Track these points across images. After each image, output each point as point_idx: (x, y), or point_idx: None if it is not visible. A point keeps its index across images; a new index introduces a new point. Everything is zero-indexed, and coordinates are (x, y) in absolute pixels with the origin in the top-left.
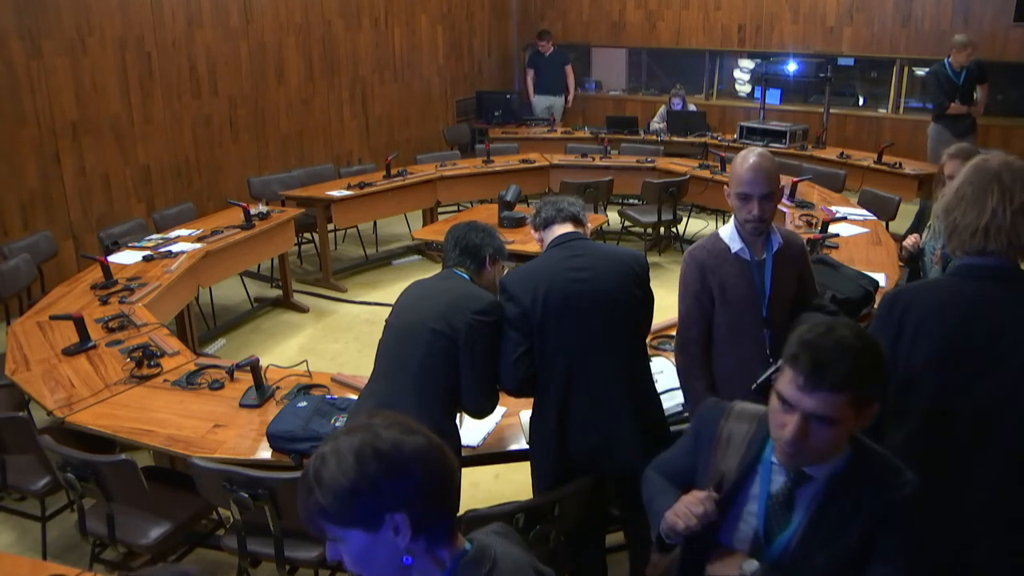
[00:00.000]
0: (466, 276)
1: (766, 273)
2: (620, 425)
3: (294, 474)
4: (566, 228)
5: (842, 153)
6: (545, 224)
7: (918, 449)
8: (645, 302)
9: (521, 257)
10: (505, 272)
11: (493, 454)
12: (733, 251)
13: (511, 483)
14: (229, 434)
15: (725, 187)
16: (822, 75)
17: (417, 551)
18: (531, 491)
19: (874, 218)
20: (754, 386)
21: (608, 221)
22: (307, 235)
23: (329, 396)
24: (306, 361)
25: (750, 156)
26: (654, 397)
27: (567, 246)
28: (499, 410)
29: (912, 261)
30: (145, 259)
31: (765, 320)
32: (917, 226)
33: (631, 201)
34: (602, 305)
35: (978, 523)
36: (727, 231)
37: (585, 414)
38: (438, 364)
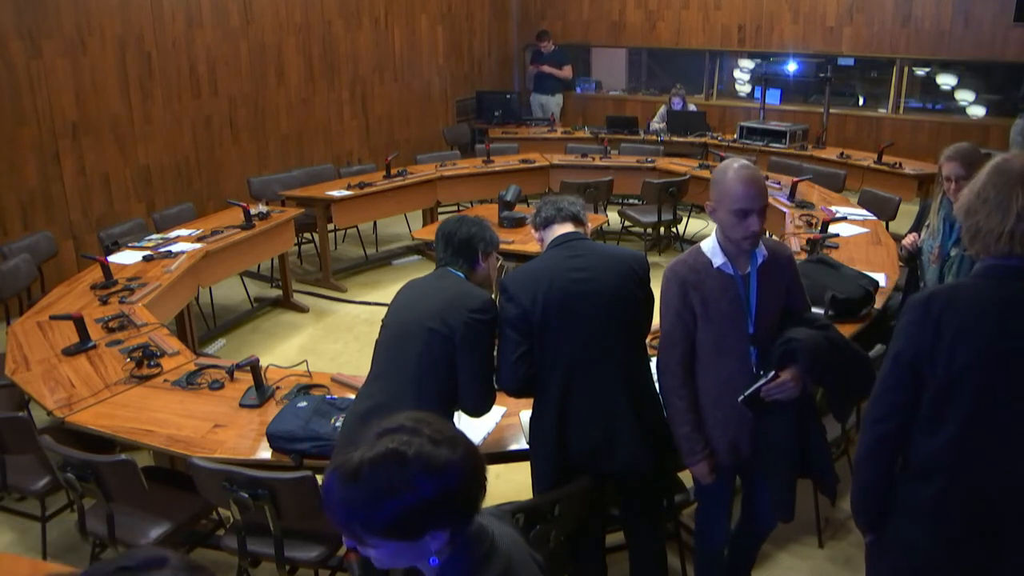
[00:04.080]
0: (460, 274)
1: (751, 288)
2: (620, 425)
3: (294, 474)
4: (566, 228)
5: (842, 153)
6: (545, 224)
7: (955, 456)
8: (645, 302)
9: (521, 257)
10: (501, 265)
11: (493, 454)
12: (715, 265)
13: (511, 483)
14: (229, 434)
15: (707, 204)
16: (822, 75)
17: (444, 549)
18: (531, 491)
19: (874, 218)
20: (741, 398)
21: (608, 221)
22: (307, 235)
23: (329, 396)
24: (306, 361)
25: (739, 169)
26: (654, 397)
27: (567, 246)
28: (499, 410)
29: (911, 260)
30: (145, 259)
31: (752, 336)
32: (918, 226)
33: (631, 201)
34: (602, 305)
35: (1012, 530)
36: (708, 245)
37: (585, 414)
38: (435, 363)
